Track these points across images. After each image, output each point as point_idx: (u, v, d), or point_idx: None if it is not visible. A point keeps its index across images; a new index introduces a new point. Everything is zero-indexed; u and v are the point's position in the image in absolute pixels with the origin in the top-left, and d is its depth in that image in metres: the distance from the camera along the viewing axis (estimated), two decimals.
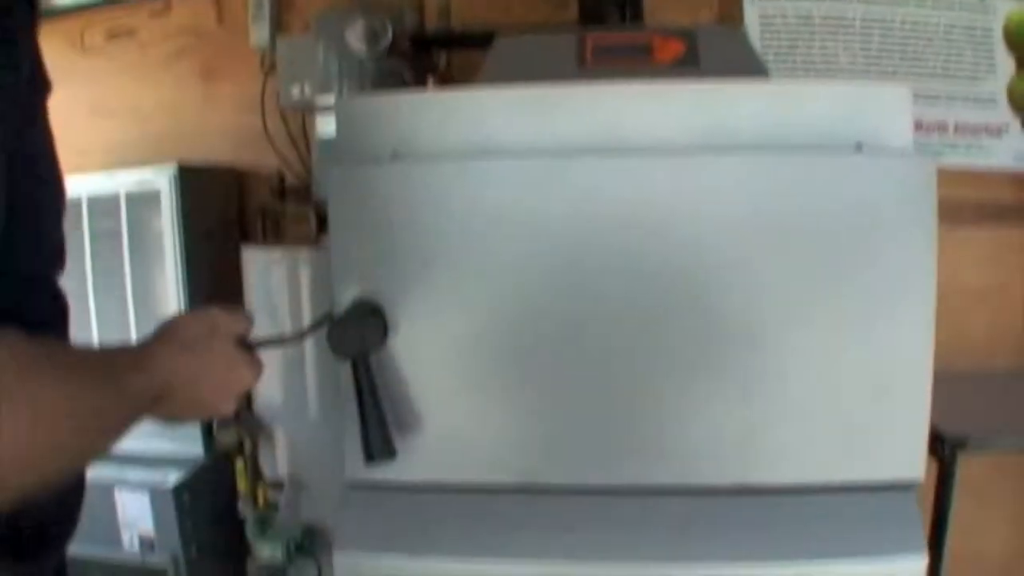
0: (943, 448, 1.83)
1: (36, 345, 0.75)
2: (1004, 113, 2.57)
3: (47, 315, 0.94)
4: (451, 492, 1.21)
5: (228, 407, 1.04)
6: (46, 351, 0.78)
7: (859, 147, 1.16)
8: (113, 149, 2.69)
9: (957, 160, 2.52)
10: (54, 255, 0.95)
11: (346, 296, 1.18)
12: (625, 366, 1.18)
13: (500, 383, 1.20)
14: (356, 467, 1.17)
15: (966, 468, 1.95)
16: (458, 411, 1.20)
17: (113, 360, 0.90)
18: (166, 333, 0.99)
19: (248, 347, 1.06)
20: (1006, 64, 2.58)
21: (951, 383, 1.17)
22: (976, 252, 2.52)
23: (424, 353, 1.18)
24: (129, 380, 0.88)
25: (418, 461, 1.19)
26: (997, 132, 2.57)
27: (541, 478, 1.19)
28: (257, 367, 1.06)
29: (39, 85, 0.88)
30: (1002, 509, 2.56)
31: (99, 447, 0.86)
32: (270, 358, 2.02)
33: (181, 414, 1.00)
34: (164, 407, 0.96)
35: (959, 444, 1.93)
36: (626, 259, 1.15)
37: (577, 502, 1.18)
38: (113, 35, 2.74)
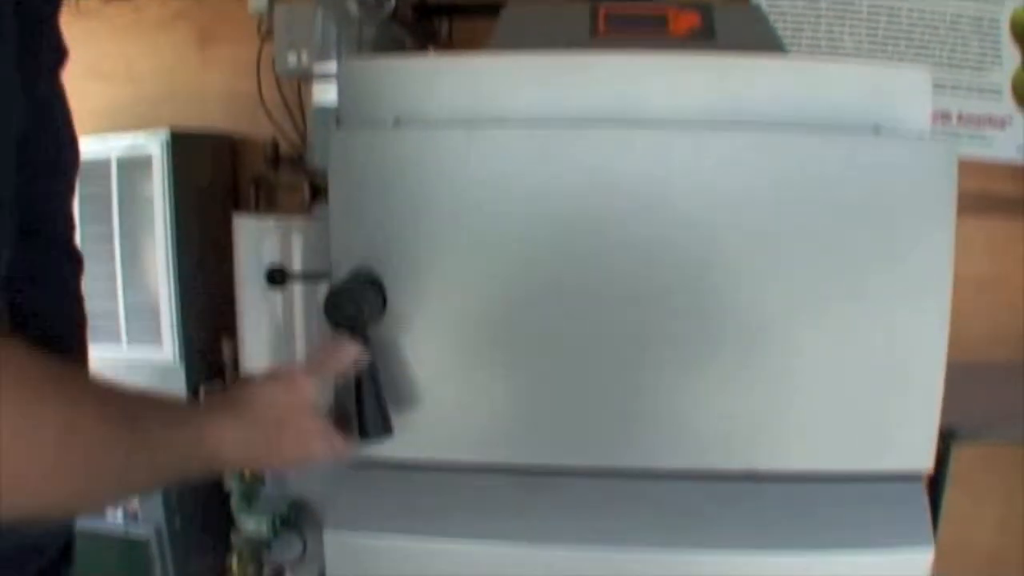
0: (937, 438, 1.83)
1: (45, 366, 0.71)
2: (1008, 105, 2.57)
3: (67, 274, 0.90)
4: (447, 471, 1.18)
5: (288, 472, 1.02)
6: (57, 374, 0.72)
7: (877, 129, 1.13)
8: (107, 112, 2.66)
9: (961, 150, 2.49)
10: (71, 216, 0.93)
11: (344, 266, 1.15)
12: (631, 346, 1.15)
13: (500, 360, 1.16)
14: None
15: (957, 459, 1.95)
16: (456, 388, 1.17)
17: (155, 409, 0.85)
18: (237, 400, 0.96)
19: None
20: (1012, 56, 2.58)
21: (948, 373, 1.15)
22: (976, 243, 2.53)
23: (422, 327, 1.15)
24: (168, 436, 0.84)
25: (413, 438, 1.15)
26: (1000, 124, 2.57)
27: (540, 459, 1.17)
28: (330, 443, 1.03)
29: (61, 54, 0.90)
30: (991, 500, 2.58)
31: (113, 490, 0.84)
32: (258, 328, 2.02)
33: (230, 471, 0.98)
34: (212, 469, 0.93)
35: (952, 435, 1.93)
36: (634, 236, 1.13)
37: (577, 484, 1.16)
38: None
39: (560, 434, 1.18)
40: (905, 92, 1.17)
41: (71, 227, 0.92)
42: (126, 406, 0.80)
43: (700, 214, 1.12)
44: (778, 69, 1.18)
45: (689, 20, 1.36)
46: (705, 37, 1.34)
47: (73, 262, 0.92)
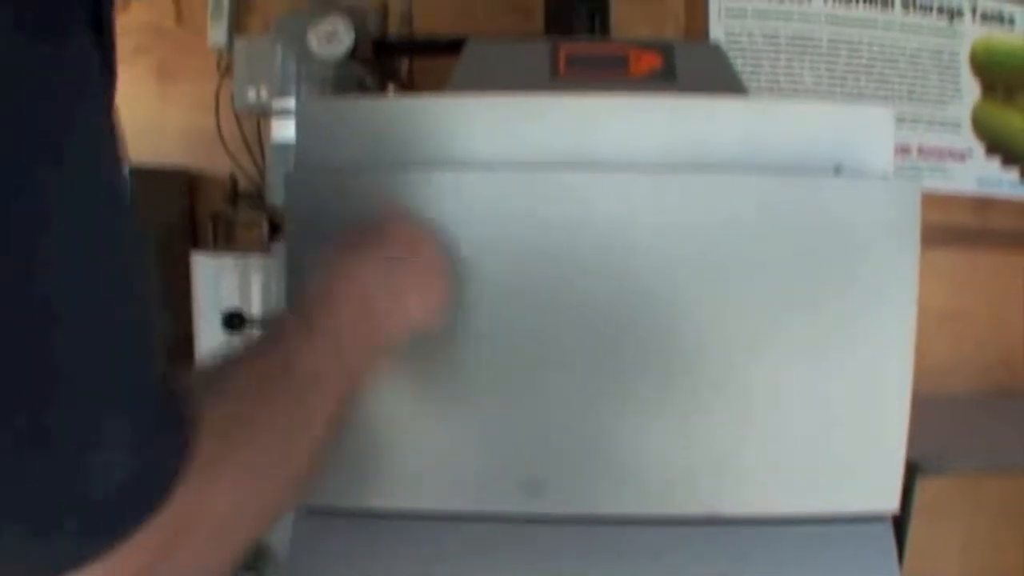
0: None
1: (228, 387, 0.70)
2: (968, 138, 2.61)
3: None
4: (410, 520, 1.15)
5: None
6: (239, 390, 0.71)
7: (838, 169, 1.13)
8: None
9: (921, 184, 2.52)
10: None
11: None
12: (592, 390, 1.13)
13: (463, 407, 1.14)
14: (308, 492, 1.12)
15: (922, 489, 1.95)
16: (418, 436, 1.15)
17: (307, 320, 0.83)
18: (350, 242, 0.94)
19: None
20: (972, 89, 2.61)
21: (911, 406, 1.15)
22: (938, 275, 2.54)
23: (382, 375, 1.12)
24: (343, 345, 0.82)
25: (376, 487, 1.13)
26: (961, 157, 2.60)
27: (505, 507, 1.15)
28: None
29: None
30: (956, 529, 2.59)
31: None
32: None
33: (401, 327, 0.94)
34: (377, 326, 0.90)
35: (917, 468, 1.93)
36: (595, 279, 1.11)
37: (542, 532, 1.14)
38: None
39: (521, 482, 1.15)
40: (867, 130, 1.17)
41: None
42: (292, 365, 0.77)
43: (661, 257, 1.11)
44: (739, 110, 1.17)
45: (650, 61, 1.35)
46: (666, 78, 1.34)
47: None
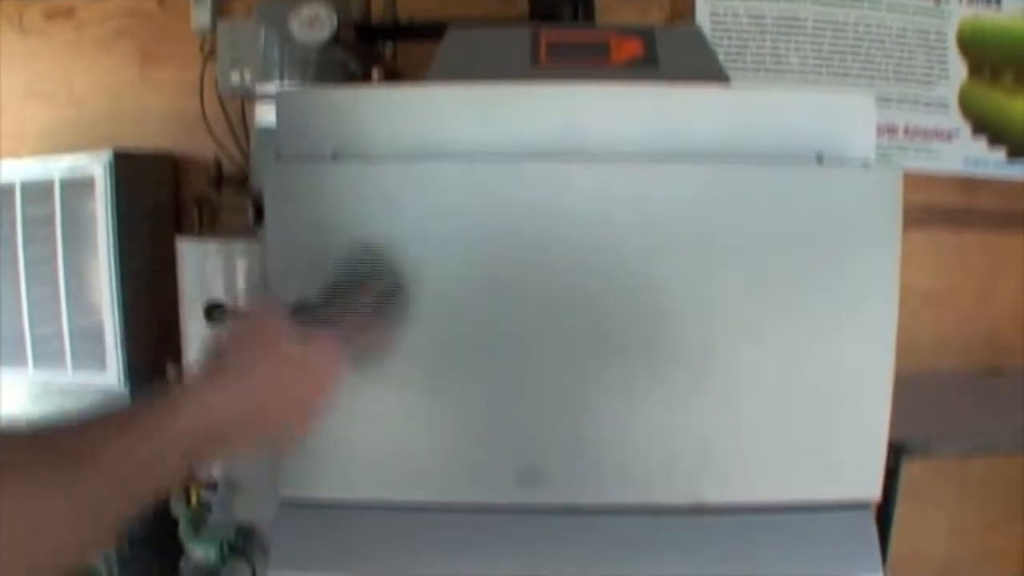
0: (888, 454, 1.84)
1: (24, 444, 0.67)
2: (955, 118, 2.60)
3: None
4: (393, 511, 1.16)
5: (313, 418, 0.94)
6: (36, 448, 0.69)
7: (820, 158, 1.13)
8: (48, 132, 2.63)
9: (906, 163, 2.53)
10: None
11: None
12: (574, 380, 1.14)
13: (441, 397, 1.14)
14: (290, 484, 1.12)
15: (908, 471, 1.96)
16: (396, 426, 1.15)
17: (130, 420, 0.78)
18: (208, 364, 0.89)
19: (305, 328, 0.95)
20: (959, 69, 2.60)
21: (895, 386, 1.15)
22: (923, 255, 2.55)
23: (362, 368, 1.12)
24: (160, 435, 0.78)
25: (355, 478, 1.14)
26: (947, 136, 2.60)
27: (485, 497, 1.15)
28: (332, 357, 0.96)
29: None
30: (942, 510, 2.60)
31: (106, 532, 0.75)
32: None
33: (251, 445, 0.90)
34: (222, 447, 0.87)
35: (903, 450, 1.94)
36: (577, 267, 1.11)
37: (523, 522, 1.15)
38: (51, 15, 2.67)
39: (503, 473, 1.16)
40: (848, 118, 1.17)
41: None
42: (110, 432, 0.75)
43: (643, 244, 1.11)
44: (721, 99, 1.17)
45: (631, 48, 1.35)
46: (648, 65, 1.33)
47: None
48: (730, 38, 2.47)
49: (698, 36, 1.61)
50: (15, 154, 2.51)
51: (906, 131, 2.57)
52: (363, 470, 1.14)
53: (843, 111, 1.17)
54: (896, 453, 1.94)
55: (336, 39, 1.92)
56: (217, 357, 0.91)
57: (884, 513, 1.97)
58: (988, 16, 2.64)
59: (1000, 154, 2.64)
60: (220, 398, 0.85)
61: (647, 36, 1.37)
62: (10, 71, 2.65)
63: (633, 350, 1.13)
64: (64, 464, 0.71)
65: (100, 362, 2.30)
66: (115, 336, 2.29)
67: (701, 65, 1.40)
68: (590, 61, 1.35)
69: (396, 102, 1.15)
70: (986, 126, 2.63)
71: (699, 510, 1.15)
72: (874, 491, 1.18)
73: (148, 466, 0.77)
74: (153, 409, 0.82)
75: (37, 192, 2.29)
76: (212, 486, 2.02)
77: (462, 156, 1.12)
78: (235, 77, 2.20)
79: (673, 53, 1.36)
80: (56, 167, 2.29)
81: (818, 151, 1.13)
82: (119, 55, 2.63)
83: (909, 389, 1.21)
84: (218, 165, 2.40)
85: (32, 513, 0.65)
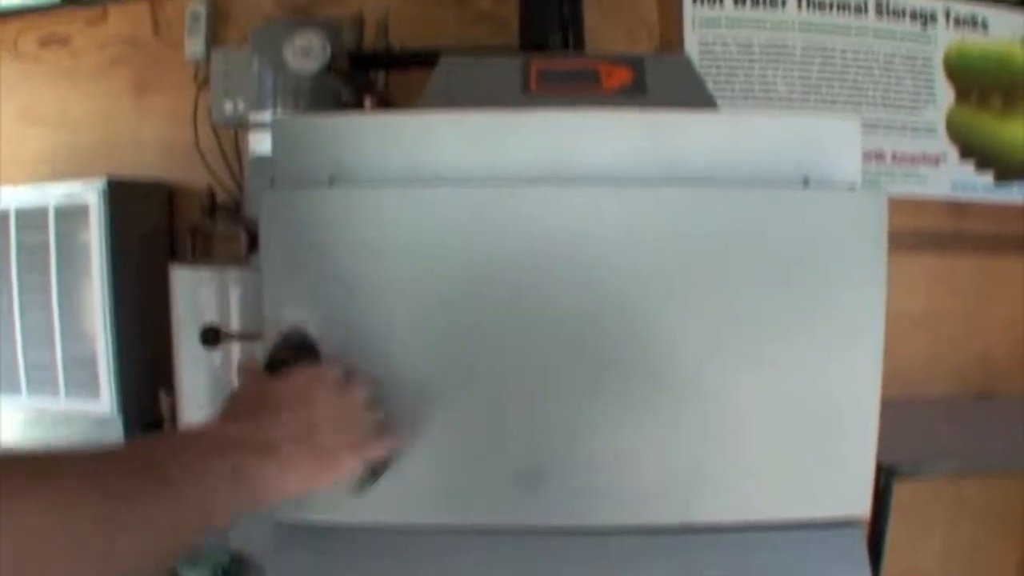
0: (877, 475, 1.85)
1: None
2: (942, 142, 2.62)
3: None
4: (386, 534, 1.16)
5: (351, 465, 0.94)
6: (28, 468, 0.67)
7: (806, 182, 1.14)
8: (43, 158, 2.66)
9: (895, 189, 2.55)
10: None
11: (275, 328, 1.13)
12: (565, 402, 1.14)
13: (437, 421, 1.15)
14: (287, 507, 1.12)
15: (901, 491, 1.97)
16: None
17: (150, 455, 0.75)
18: (260, 405, 0.89)
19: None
20: (946, 94, 2.62)
21: (885, 410, 1.16)
22: (912, 279, 2.57)
23: None
24: (182, 476, 0.75)
25: (352, 501, 1.14)
26: (935, 161, 2.62)
27: (479, 519, 1.16)
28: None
29: None
30: (936, 531, 2.61)
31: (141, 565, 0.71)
32: (195, 381, 2.00)
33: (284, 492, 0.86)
34: (249, 492, 0.82)
35: (893, 472, 1.95)
36: (568, 291, 1.12)
37: (516, 544, 1.15)
38: (47, 42, 2.69)
39: (497, 495, 1.16)
40: (834, 142, 1.18)
41: None
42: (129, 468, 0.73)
43: (633, 269, 1.12)
44: (708, 124, 1.19)
45: (621, 76, 1.37)
46: (637, 92, 1.35)
47: None
48: (719, 67, 2.49)
49: (686, 64, 1.62)
50: (9, 178, 2.54)
51: (894, 157, 2.59)
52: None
53: (829, 135, 1.18)
54: (887, 475, 1.95)
55: (329, 68, 1.94)
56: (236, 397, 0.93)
57: (876, 534, 1.98)
58: (975, 40, 2.67)
59: (988, 178, 2.66)
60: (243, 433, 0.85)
61: (636, 64, 1.39)
62: (7, 96, 2.68)
63: (624, 373, 1.13)
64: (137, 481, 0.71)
65: (93, 389, 2.31)
66: (108, 363, 2.30)
67: (689, 92, 1.42)
68: (580, 88, 1.36)
69: (392, 129, 1.17)
70: (974, 150, 2.66)
71: (689, 530, 1.16)
72: (863, 508, 1.18)
73: (209, 489, 0.77)
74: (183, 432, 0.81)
75: (32, 219, 2.32)
76: None
77: (456, 181, 1.13)
78: (228, 106, 2.23)
79: (662, 80, 1.38)
80: (51, 194, 2.31)
81: (805, 175, 1.15)
82: (114, 82, 2.66)
83: (900, 411, 1.22)
84: (211, 194, 2.42)
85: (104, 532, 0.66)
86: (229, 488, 0.79)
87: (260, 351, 1.09)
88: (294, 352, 1.06)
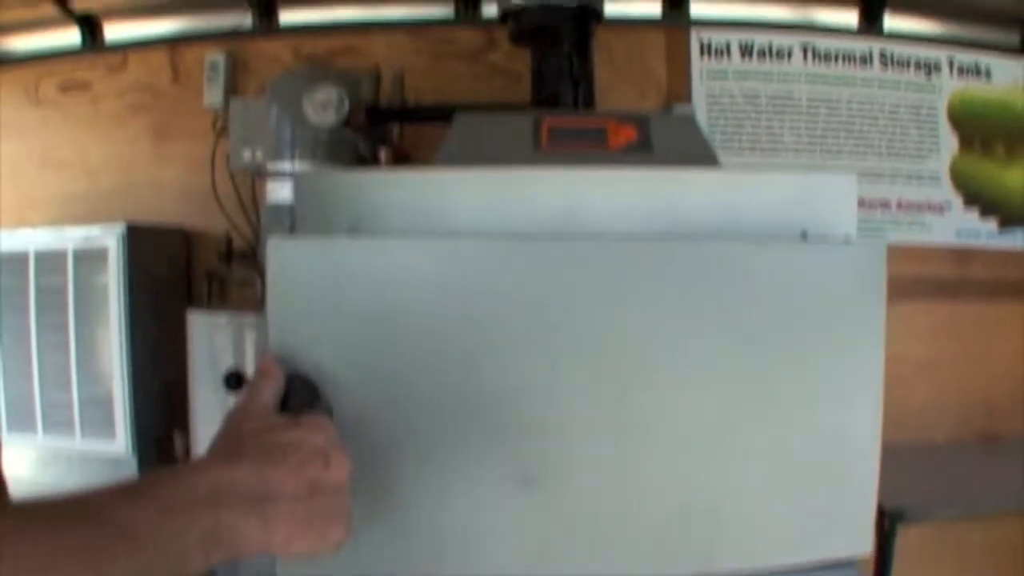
0: (882, 520, 1.86)
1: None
2: (947, 191, 2.65)
3: None
4: None
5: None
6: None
7: (804, 235, 1.18)
8: (62, 202, 2.70)
9: (900, 237, 2.58)
10: None
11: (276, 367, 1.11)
12: (573, 455, 1.16)
13: (444, 472, 1.16)
14: (288, 562, 1.12)
15: (906, 536, 1.99)
16: (398, 502, 1.16)
17: (121, 510, 0.71)
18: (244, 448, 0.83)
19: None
20: (950, 142, 2.65)
21: (890, 455, 1.18)
22: (916, 326, 2.59)
23: (365, 439, 1.13)
24: (153, 538, 0.71)
25: (354, 554, 1.13)
26: (939, 209, 2.64)
27: (484, 571, 1.17)
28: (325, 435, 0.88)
29: None
30: (942, 574, 2.60)
31: None
32: (210, 423, 2.02)
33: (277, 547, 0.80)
34: (226, 551, 0.76)
35: (898, 517, 1.97)
36: (579, 344, 1.14)
37: None
38: (67, 88, 2.74)
39: (505, 546, 1.18)
40: (831, 197, 1.22)
41: None
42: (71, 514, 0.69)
43: (639, 323, 1.15)
44: (711, 180, 1.22)
45: (627, 133, 1.40)
46: (642, 150, 1.39)
47: None
48: (726, 118, 2.53)
49: (690, 121, 1.66)
50: (29, 220, 2.57)
51: (899, 205, 2.62)
52: (361, 545, 1.11)
53: (826, 190, 1.22)
54: (892, 519, 1.97)
55: (347, 121, 1.98)
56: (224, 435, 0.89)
57: None
58: (978, 88, 2.70)
59: (992, 225, 2.68)
60: (226, 474, 0.80)
61: (642, 122, 1.44)
62: (25, 141, 2.72)
63: (627, 424, 1.15)
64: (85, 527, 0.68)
65: (109, 430, 2.33)
66: (124, 405, 2.32)
67: (692, 148, 1.45)
68: (589, 145, 1.40)
69: (409, 184, 1.20)
70: (978, 197, 2.68)
71: None
72: (865, 547, 1.20)
73: (171, 535, 0.73)
74: (167, 474, 0.78)
75: (51, 262, 2.35)
76: None
77: (468, 235, 1.17)
78: (247, 154, 2.26)
79: (666, 137, 1.42)
80: (70, 237, 2.35)
81: (803, 228, 1.19)
82: (133, 129, 2.71)
83: (905, 456, 1.24)
84: (228, 239, 2.46)
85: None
86: (201, 549, 0.75)
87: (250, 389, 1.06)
88: (307, 398, 1.05)
